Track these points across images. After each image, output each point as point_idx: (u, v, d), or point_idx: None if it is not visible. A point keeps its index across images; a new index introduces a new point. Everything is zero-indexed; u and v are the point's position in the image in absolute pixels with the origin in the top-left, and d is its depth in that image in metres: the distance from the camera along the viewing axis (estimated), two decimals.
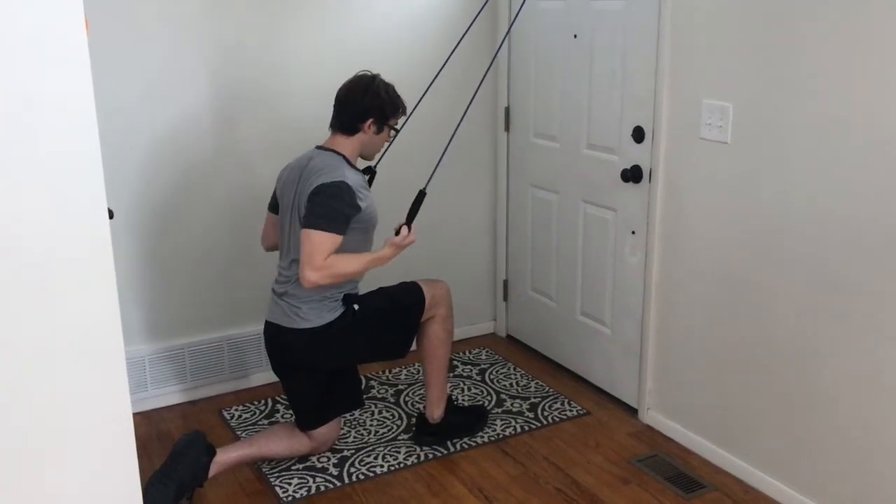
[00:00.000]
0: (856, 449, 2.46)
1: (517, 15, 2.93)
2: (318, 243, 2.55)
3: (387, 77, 2.79)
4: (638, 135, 3.06)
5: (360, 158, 2.80)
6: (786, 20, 2.47)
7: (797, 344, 2.58)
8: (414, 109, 2.91)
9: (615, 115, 3.17)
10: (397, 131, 2.84)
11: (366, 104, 2.69)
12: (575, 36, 3.31)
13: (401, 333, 2.91)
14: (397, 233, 2.69)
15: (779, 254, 2.60)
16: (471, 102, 2.84)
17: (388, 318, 2.86)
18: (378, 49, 3.43)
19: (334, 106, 2.74)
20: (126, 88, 3.04)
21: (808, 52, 2.42)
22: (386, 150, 2.92)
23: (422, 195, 2.71)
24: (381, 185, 3.03)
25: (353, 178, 2.65)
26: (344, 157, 2.70)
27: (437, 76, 2.97)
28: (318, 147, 2.76)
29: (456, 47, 2.99)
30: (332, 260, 2.56)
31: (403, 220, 2.70)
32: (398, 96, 2.77)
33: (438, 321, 2.94)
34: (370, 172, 2.87)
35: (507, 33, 2.86)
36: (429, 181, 2.73)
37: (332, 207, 2.57)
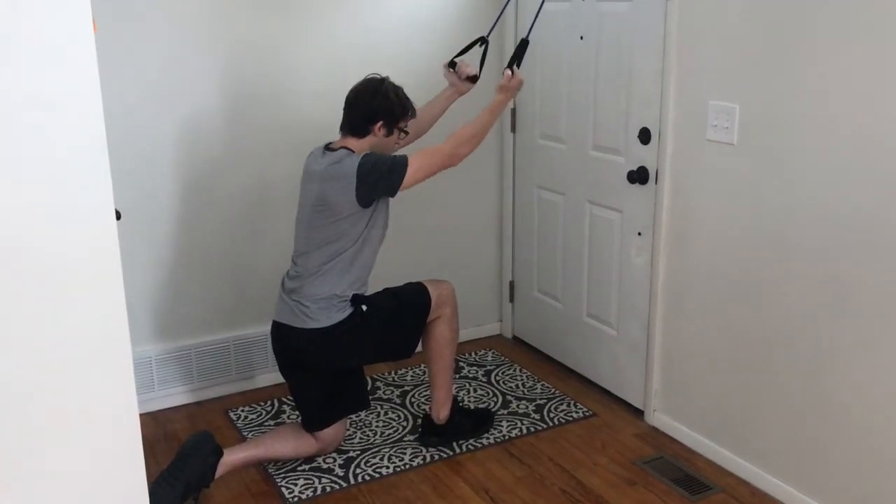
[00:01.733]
0: (864, 451, 2.45)
1: (534, 23, 2.95)
2: (421, 159, 2.67)
3: (396, 79, 2.79)
4: (644, 136, 3.06)
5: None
6: (793, 21, 2.46)
7: (804, 345, 2.57)
8: (491, 30, 2.97)
9: (621, 117, 3.16)
10: (407, 133, 2.85)
11: (375, 107, 2.71)
12: (581, 37, 3.31)
13: (407, 334, 2.91)
14: (503, 77, 2.80)
15: (786, 255, 2.59)
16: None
17: (395, 319, 2.86)
18: (387, 50, 3.44)
19: (344, 109, 2.75)
20: (134, 89, 3.05)
21: (815, 52, 2.42)
22: (394, 152, 2.93)
23: (525, 42, 2.83)
24: None
25: None
26: (351, 151, 2.71)
27: (458, 57, 3.00)
28: (328, 148, 2.76)
29: (490, 31, 3.01)
30: (450, 139, 2.71)
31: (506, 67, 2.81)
32: (407, 98, 2.78)
33: (444, 321, 2.94)
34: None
35: (534, 20, 2.87)
36: (529, 31, 2.87)
37: (383, 163, 2.64)
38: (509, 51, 3.65)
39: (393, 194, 2.70)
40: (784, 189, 2.57)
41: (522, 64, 2.85)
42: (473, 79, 3.00)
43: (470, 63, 3.00)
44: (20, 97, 1.33)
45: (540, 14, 2.96)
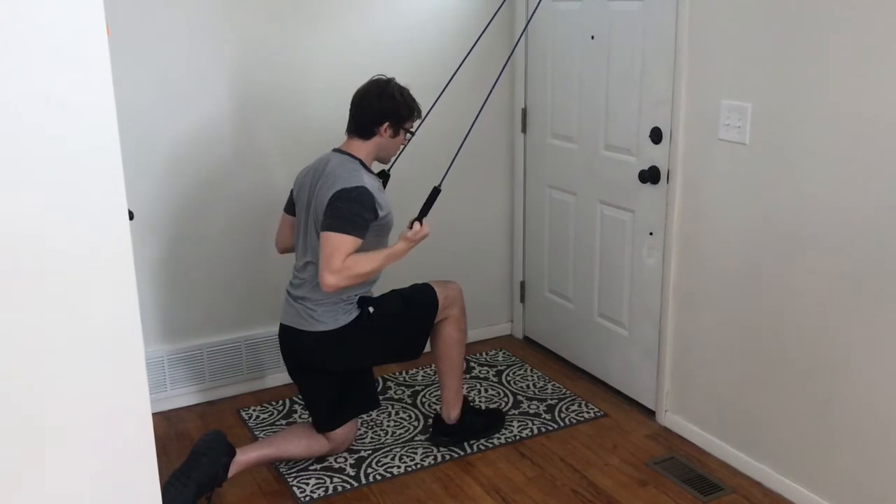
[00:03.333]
0: (877, 451, 2.44)
1: (531, 16, 2.93)
2: (337, 246, 2.56)
3: (402, 79, 2.80)
4: (656, 135, 3.05)
5: (375, 161, 2.82)
6: (805, 19, 2.45)
7: (817, 345, 2.56)
8: (430, 111, 2.92)
9: (633, 116, 3.16)
10: (413, 134, 2.85)
11: (381, 108, 2.71)
12: (592, 37, 3.30)
13: (414, 335, 2.91)
14: (410, 227, 2.70)
15: (798, 255, 2.58)
16: (485, 103, 2.85)
17: (402, 320, 2.86)
18: (394, 51, 3.44)
19: (350, 110, 2.76)
20: (146, 92, 3.07)
21: (827, 51, 2.40)
22: (400, 153, 2.93)
23: (436, 192, 2.73)
24: (398, 185, 3.05)
25: (371, 183, 2.67)
26: (360, 160, 2.72)
27: (452, 78, 2.98)
28: (335, 150, 2.77)
29: (472, 49, 3.00)
30: (349, 262, 2.57)
31: (416, 215, 2.71)
32: (413, 99, 2.78)
33: (452, 322, 2.94)
34: (384, 176, 2.88)
35: (523, 33, 2.86)
36: (443, 178, 2.74)
37: (352, 212, 2.59)
38: (520, 56, 3.66)
39: (318, 228, 2.62)
40: (796, 189, 2.55)
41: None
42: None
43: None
44: (34, 100, 1.34)
45: (518, 55, 2.89)
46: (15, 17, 1.30)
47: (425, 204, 2.73)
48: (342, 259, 2.56)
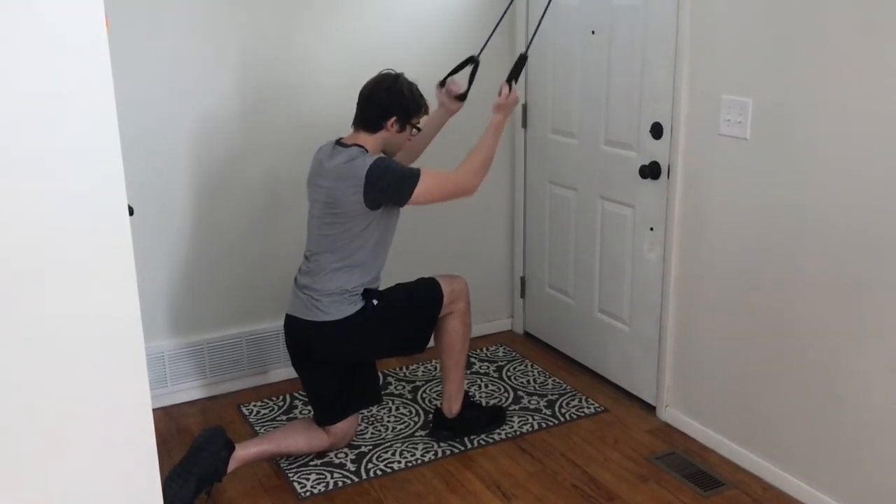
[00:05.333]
0: (877, 446, 2.44)
1: (541, 19, 2.93)
2: (434, 179, 2.68)
3: (408, 74, 2.79)
4: (656, 131, 3.05)
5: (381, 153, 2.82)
6: (806, 14, 2.45)
7: (818, 341, 2.56)
8: (482, 50, 2.95)
9: (633, 111, 3.15)
10: (419, 130, 2.85)
11: (389, 103, 2.71)
12: (593, 32, 3.30)
13: (418, 329, 2.91)
14: (500, 94, 2.77)
15: (799, 250, 2.58)
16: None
17: (407, 313, 2.87)
18: (400, 46, 3.43)
19: (358, 103, 2.76)
20: (147, 86, 3.06)
21: (829, 46, 2.40)
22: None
23: (523, 59, 2.82)
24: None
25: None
26: (364, 149, 2.72)
27: (449, 77, 2.98)
28: (339, 143, 2.76)
29: (482, 51, 3.00)
30: (461, 166, 2.73)
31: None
32: (421, 96, 2.78)
33: (457, 316, 2.94)
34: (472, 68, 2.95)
35: (535, 32, 2.85)
36: (528, 46, 2.89)
37: (395, 172, 2.65)
38: (518, 51, 3.66)
39: (401, 204, 2.70)
40: (797, 184, 2.55)
41: (518, 80, 2.83)
42: (462, 97, 2.97)
43: (459, 82, 2.96)
44: (34, 95, 1.33)
45: (546, 15, 2.94)
46: (14, 11, 1.29)
47: (513, 68, 2.80)
48: (450, 176, 2.71)
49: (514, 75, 2.80)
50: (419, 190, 2.65)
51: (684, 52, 2.87)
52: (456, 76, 2.97)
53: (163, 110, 3.11)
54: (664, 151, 3.03)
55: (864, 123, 2.34)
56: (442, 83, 2.97)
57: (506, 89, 2.77)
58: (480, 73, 2.97)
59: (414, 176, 2.65)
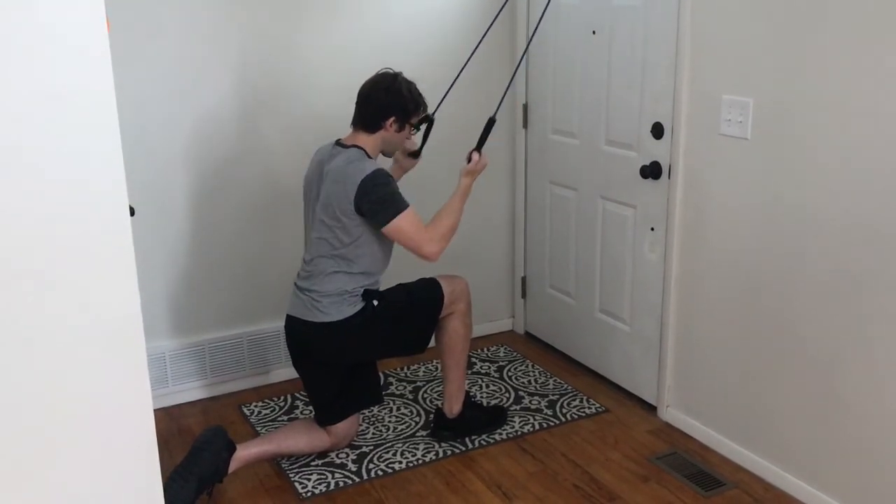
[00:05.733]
0: (879, 446, 2.44)
1: (541, 18, 2.93)
2: (409, 224, 2.64)
3: (406, 74, 2.79)
4: (657, 131, 3.05)
5: (381, 154, 2.82)
6: (806, 14, 2.45)
7: (819, 341, 2.56)
8: (437, 108, 2.92)
9: (634, 111, 3.15)
10: (418, 129, 2.85)
11: (388, 102, 2.71)
12: (594, 32, 3.30)
13: (419, 329, 2.91)
14: (469, 161, 2.77)
15: (800, 250, 2.58)
16: (499, 105, 2.86)
17: (408, 314, 2.86)
18: (397, 45, 3.43)
19: (356, 103, 2.76)
20: (148, 86, 3.06)
21: (829, 46, 2.40)
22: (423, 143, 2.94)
23: (491, 122, 2.79)
24: (405, 181, 3.03)
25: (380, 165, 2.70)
26: (364, 151, 2.72)
27: (458, 76, 2.98)
28: (339, 143, 2.76)
29: (476, 48, 3.00)
30: (430, 228, 2.69)
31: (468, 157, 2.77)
32: (420, 94, 2.78)
33: (458, 317, 2.94)
34: (428, 121, 2.88)
35: (531, 37, 2.84)
36: (497, 110, 2.80)
37: (388, 192, 2.64)
38: (521, 52, 3.66)
39: (376, 226, 2.66)
40: (798, 184, 2.55)
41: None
42: (415, 154, 2.95)
43: (414, 139, 2.91)
44: (34, 95, 1.33)
45: (546, 16, 2.92)
46: (14, 11, 1.29)
47: (482, 134, 2.80)
48: (422, 230, 2.66)
49: (481, 142, 2.79)
50: (396, 222, 2.62)
51: (685, 52, 2.87)
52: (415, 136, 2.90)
53: (163, 110, 3.12)
54: (665, 151, 3.03)
55: (864, 123, 2.34)
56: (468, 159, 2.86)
57: (475, 156, 2.77)
58: (475, 66, 2.94)
59: (400, 207, 2.63)
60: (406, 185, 3.01)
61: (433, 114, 2.85)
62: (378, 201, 2.62)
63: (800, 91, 2.50)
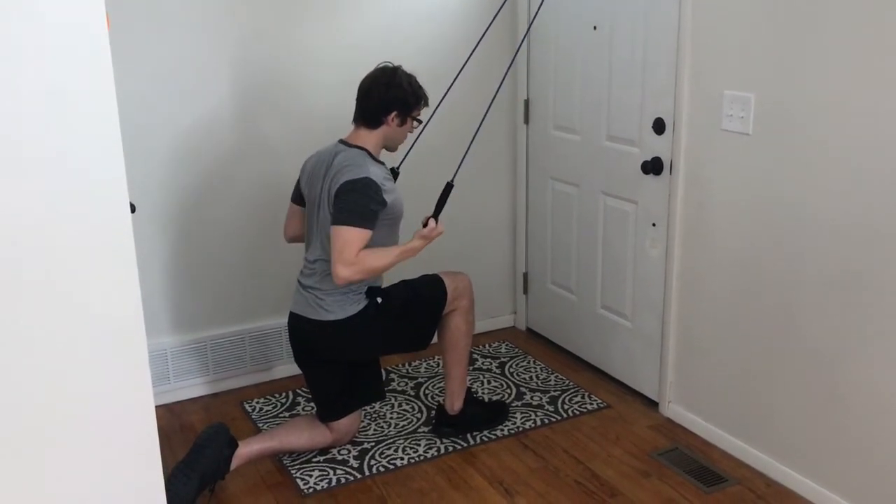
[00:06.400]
0: (881, 442, 2.44)
1: (537, 13, 2.91)
2: (349, 239, 2.56)
3: (407, 68, 2.78)
4: (658, 126, 3.04)
5: (384, 150, 2.81)
6: (809, 9, 2.44)
7: (820, 336, 2.56)
8: (439, 104, 2.91)
9: (635, 107, 3.15)
10: (420, 122, 2.84)
11: (389, 97, 2.70)
12: (595, 27, 3.29)
13: (422, 326, 2.91)
14: (425, 225, 2.71)
15: (801, 246, 2.57)
16: (493, 99, 2.84)
17: (411, 311, 2.86)
18: (401, 43, 3.43)
19: (357, 99, 2.75)
20: (148, 83, 3.06)
21: (831, 41, 2.39)
22: (412, 146, 2.92)
23: (449, 187, 2.74)
24: (403, 179, 3.04)
25: (377, 173, 2.66)
26: (367, 151, 2.71)
27: (460, 72, 2.98)
28: (342, 142, 2.76)
29: (477, 45, 2.99)
30: (362, 255, 2.57)
31: (431, 212, 2.71)
32: (420, 87, 2.77)
33: (461, 313, 2.94)
34: (394, 174, 2.86)
35: (527, 32, 2.82)
36: (455, 174, 2.74)
37: (361, 204, 2.58)
38: (522, 48, 3.65)
39: (330, 222, 2.61)
40: (799, 179, 2.55)
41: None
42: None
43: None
44: (35, 93, 1.33)
45: (547, 11, 2.90)
46: (15, 9, 1.29)
47: (439, 201, 2.74)
48: (354, 252, 2.56)
49: (439, 209, 2.72)
50: (342, 228, 2.55)
51: (686, 48, 2.86)
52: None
53: (164, 107, 3.11)
54: (666, 147, 3.03)
55: (866, 118, 2.33)
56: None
57: (432, 223, 2.70)
58: (474, 66, 2.91)
59: (356, 221, 2.56)
60: (403, 174, 3.01)
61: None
62: (346, 203, 2.58)
63: (802, 86, 2.50)
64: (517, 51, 3.48)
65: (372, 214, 2.60)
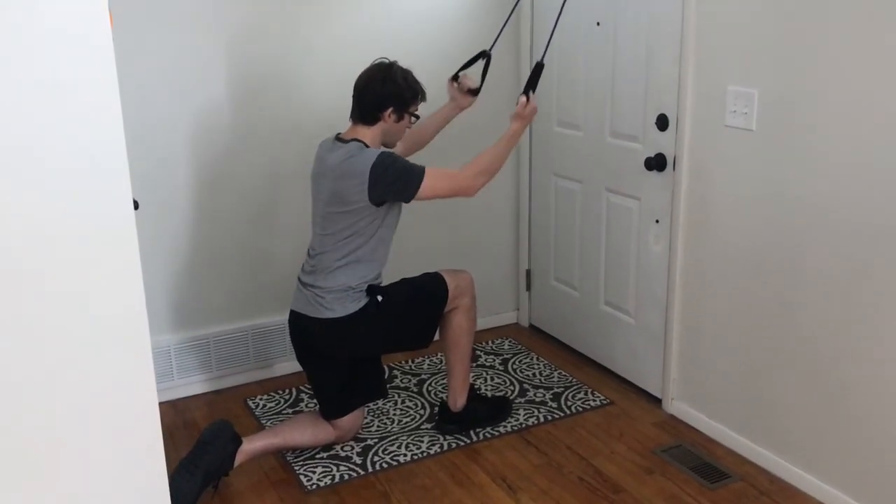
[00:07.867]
0: (884, 439, 2.43)
1: (549, 44, 2.90)
2: (437, 178, 2.65)
3: (405, 64, 2.77)
4: (662, 122, 3.04)
5: (382, 147, 2.81)
6: (812, 4, 2.43)
7: (824, 332, 2.55)
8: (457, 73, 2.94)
9: (639, 103, 3.14)
10: (417, 118, 2.83)
11: (385, 93, 2.69)
12: (598, 23, 3.28)
13: (424, 324, 2.91)
14: (517, 104, 2.75)
15: (805, 242, 2.57)
16: (546, 50, 2.80)
17: (412, 309, 2.86)
18: (401, 40, 3.42)
19: (353, 96, 2.74)
20: (150, 79, 3.06)
21: (835, 37, 2.39)
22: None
23: (540, 66, 2.76)
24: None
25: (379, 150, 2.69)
26: (364, 144, 2.70)
27: (462, 71, 2.97)
28: (338, 139, 2.75)
29: (493, 45, 2.98)
30: (467, 167, 2.68)
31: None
32: (417, 82, 2.76)
33: (462, 311, 2.94)
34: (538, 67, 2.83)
35: (541, 61, 2.79)
36: (544, 53, 2.79)
37: (400, 167, 2.62)
38: (525, 44, 3.65)
39: (407, 200, 2.68)
40: (804, 175, 2.54)
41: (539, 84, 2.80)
42: (474, 92, 2.96)
43: (472, 77, 2.94)
44: (38, 90, 1.33)
45: (550, 8, 2.90)
46: (18, 6, 1.29)
47: (530, 78, 2.76)
48: (454, 176, 2.67)
49: (531, 85, 2.75)
50: (425, 185, 2.63)
51: (689, 43, 2.85)
52: (468, 70, 2.94)
53: (165, 104, 3.11)
54: (670, 143, 3.02)
55: (870, 114, 2.33)
56: (454, 77, 2.94)
57: (523, 99, 2.74)
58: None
59: (419, 171, 2.64)
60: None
61: (490, 49, 2.81)
62: (395, 180, 2.61)
63: (805, 82, 2.49)
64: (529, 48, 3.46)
65: (410, 163, 2.65)
